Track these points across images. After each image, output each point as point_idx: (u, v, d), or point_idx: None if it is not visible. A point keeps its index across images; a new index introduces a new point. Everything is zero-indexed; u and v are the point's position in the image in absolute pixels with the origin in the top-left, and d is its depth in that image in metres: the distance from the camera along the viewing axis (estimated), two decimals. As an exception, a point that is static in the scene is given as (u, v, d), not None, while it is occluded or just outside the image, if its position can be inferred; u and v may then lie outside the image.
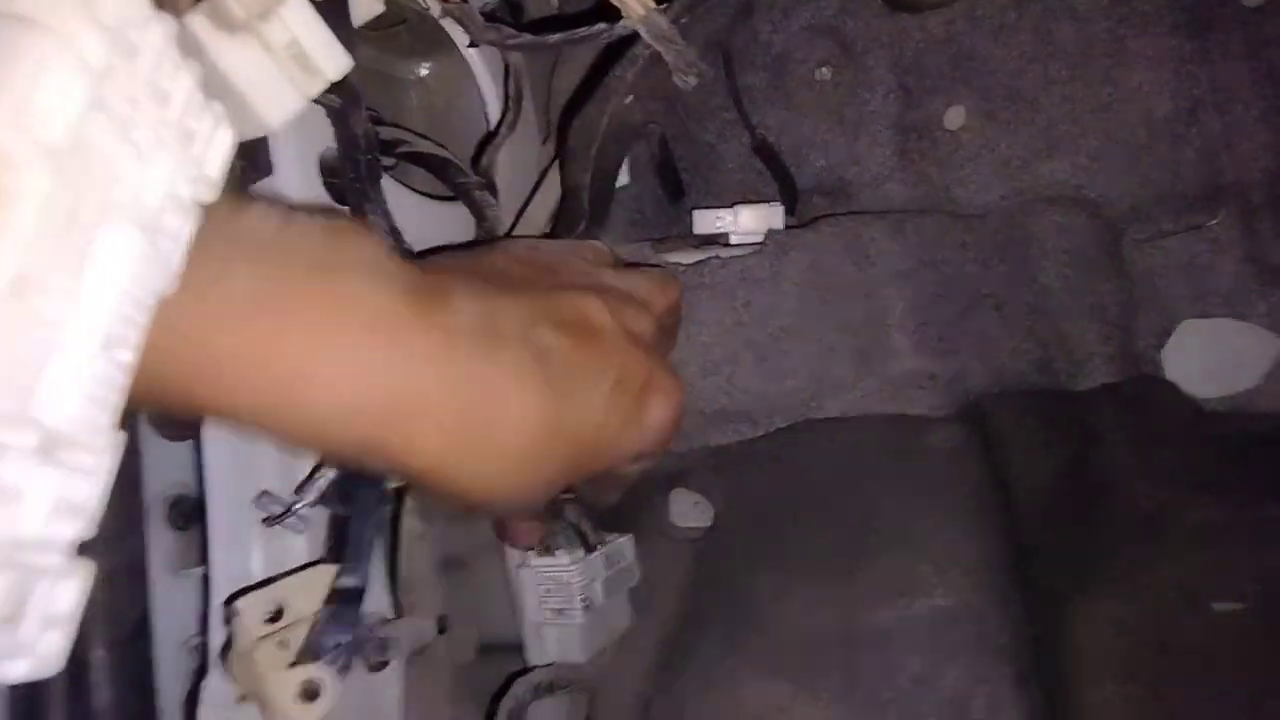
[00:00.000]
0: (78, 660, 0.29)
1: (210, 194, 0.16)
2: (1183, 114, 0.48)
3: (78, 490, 0.13)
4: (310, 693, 0.30)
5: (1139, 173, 0.49)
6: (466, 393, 0.24)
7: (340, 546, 0.33)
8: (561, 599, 0.39)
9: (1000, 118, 0.50)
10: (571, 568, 0.39)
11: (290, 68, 0.23)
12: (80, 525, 0.14)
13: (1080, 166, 0.49)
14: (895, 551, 0.42)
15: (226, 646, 0.31)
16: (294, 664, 0.30)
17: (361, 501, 0.33)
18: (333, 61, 0.23)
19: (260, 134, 0.23)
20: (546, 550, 0.39)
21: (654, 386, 0.30)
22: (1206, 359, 0.48)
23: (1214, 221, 0.48)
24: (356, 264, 0.23)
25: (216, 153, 0.16)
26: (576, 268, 0.32)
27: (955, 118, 0.50)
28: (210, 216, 0.19)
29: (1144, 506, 0.43)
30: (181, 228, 0.15)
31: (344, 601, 0.31)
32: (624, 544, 0.42)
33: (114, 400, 0.14)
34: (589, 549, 0.40)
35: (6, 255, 0.11)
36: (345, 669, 0.30)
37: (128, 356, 0.14)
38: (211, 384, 0.21)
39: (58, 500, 0.13)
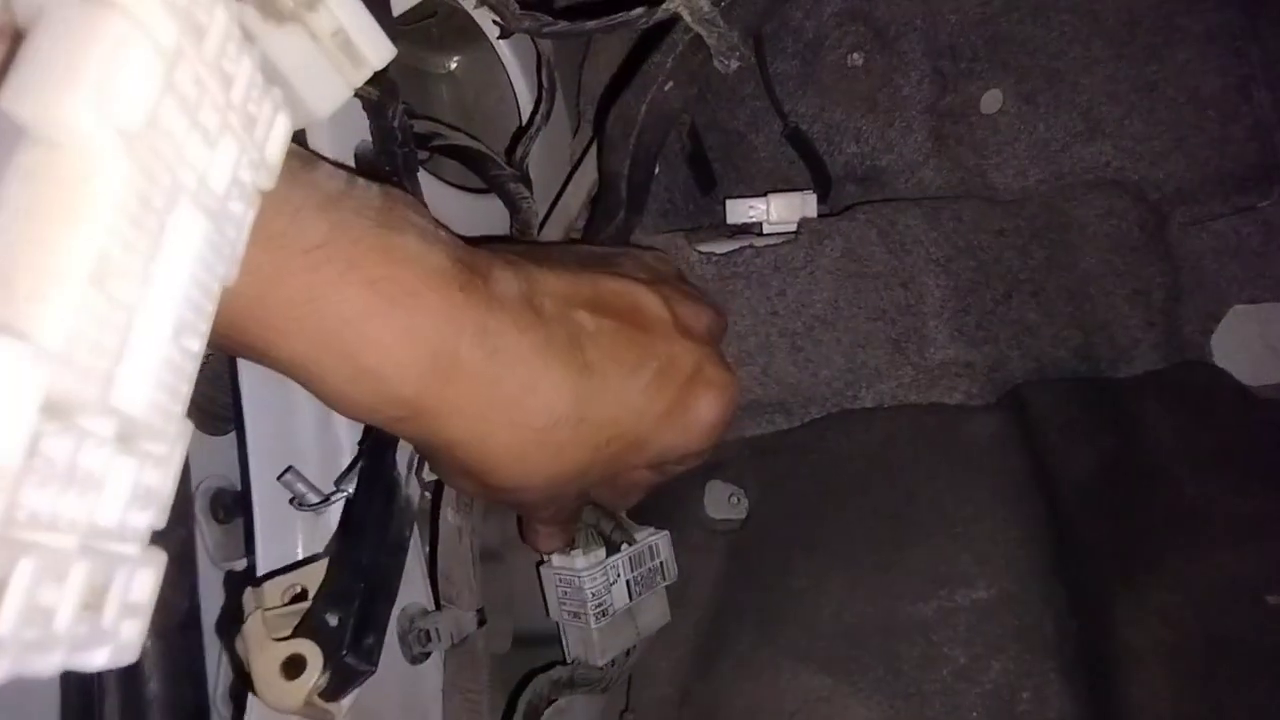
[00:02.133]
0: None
1: (270, 180, 0.16)
2: (1232, 91, 0.47)
3: (152, 479, 0.13)
4: (295, 665, 0.29)
5: (1186, 153, 0.48)
6: (498, 364, 0.25)
7: (342, 526, 0.33)
8: (576, 603, 0.38)
9: (1039, 100, 0.49)
10: (584, 573, 0.38)
11: (337, 57, 0.23)
12: (154, 514, 0.14)
13: (1123, 148, 0.48)
14: (934, 542, 0.41)
15: (235, 623, 0.31)
16: (284, 639, 0.29)
17: (367, 485, 0.33)
18: (378, 50, 0.23)
19: (309, 123, 0.23)
20: (569, 548, 0.39)
21: (702, 380, 0.30)
22: (1257, 345, 0.47)
23: (1266, 203, 0.47)
24: (411, 226, 0.24)
25: (276, 138, 0.16)
26: (637, 264, 0.31)
27: (992, 101, 0.49)
28: (285, 167, 0.20)
29: (1191, 496, 0.42)
30: (245, 214, 0.15)
31: (342, 579, 0.30)
32: (658, 541, 0.41)
33: (184, 388, 0.14)
34: (613, 549, 0.40)
35: (87, 240, 0.11)
36: (344, 652, 0.29)
37: (196, 344, 0.14)
38: (273, 326, 0.22)
39: (134, 488, 0.13)
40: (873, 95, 0.51)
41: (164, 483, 0.14)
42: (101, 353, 0.12)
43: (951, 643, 0.39)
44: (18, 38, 0.11)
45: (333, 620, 0.28)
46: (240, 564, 0.41)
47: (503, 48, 0.45)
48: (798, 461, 0.46)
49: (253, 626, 0.28)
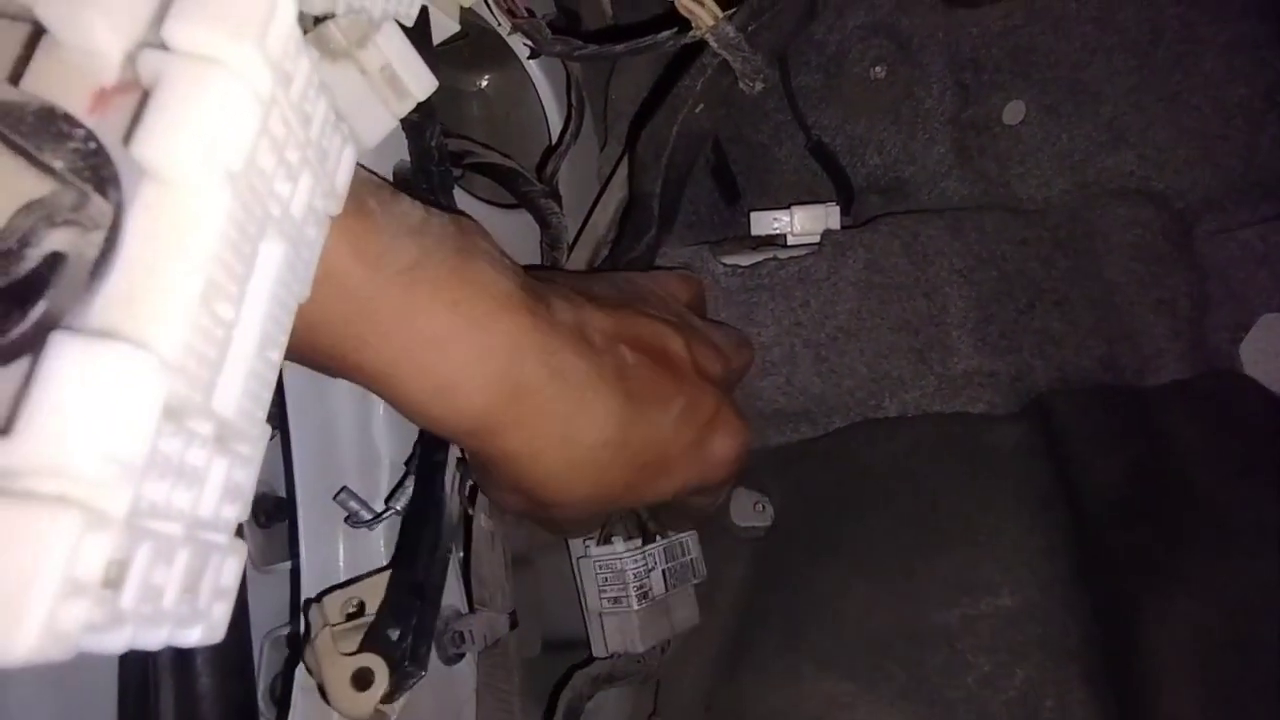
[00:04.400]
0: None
1: (337, 207, 0.18)
2: (1259, 99, 0.48)
3: (240, 476, 0.15)
4: (363, 680, 0.31)
5: (1211, 162, 0.49)
6: (557, 384, 0.27)
7: (400, 546, 0.35)
8: (617, 587, 0.40)
9: (1062, 111, 0.50)
10: (626, 555, 0.40)
11: (384, 90, 0.25)
12: (240, 507, 0.16)
13: (1147, 158, 0.49)
14: (957, 550, 0.42)
15: (305, 638, 0.33)
16: (352, 654, 0.31)
17: (420, 504, 0.35)
18: (421, 83, 0.25)
19: (359, 151, 0.25)
20: (606, 540, 0.41)
21: (720, 423, 0.32)
22: (1287, 354, 0.47)
23: (1292, 212, 0.48)
24: (483, 254, 0.26)
25: (344, 169, 0.18)
26: (664, 303, 0.34)
27: (1014, 113, 0.50)
28: (377, 198, 0.22)
29: (1219, 504, 0.42)
30: (317, 238, 0.17)
31: (401, 597, 0.33)
32: (687, 539, 0.43)
33: (266, 395, 0.16)
34: (648, 539, 0.42)
35: (198, 268, 0.13)
36: (403, 662, 0.32)
37: (276, 356, 0.16)
38: (365, 340, 0.24)
39: (226, 484, 0.15)
40: (895, 108, 0.52)
41: (249, 480, 0.16)
42: (207, 364, 0.13)
43: (975, 650, 0.40)
44: (144, 94, 0.13)
45: (394, 635, 0.31)
46: (280, 567, 0.43)
47: (532, 67, 0.47)
48: (822, 470, 0.47)
49: (323, 642, 0.30)
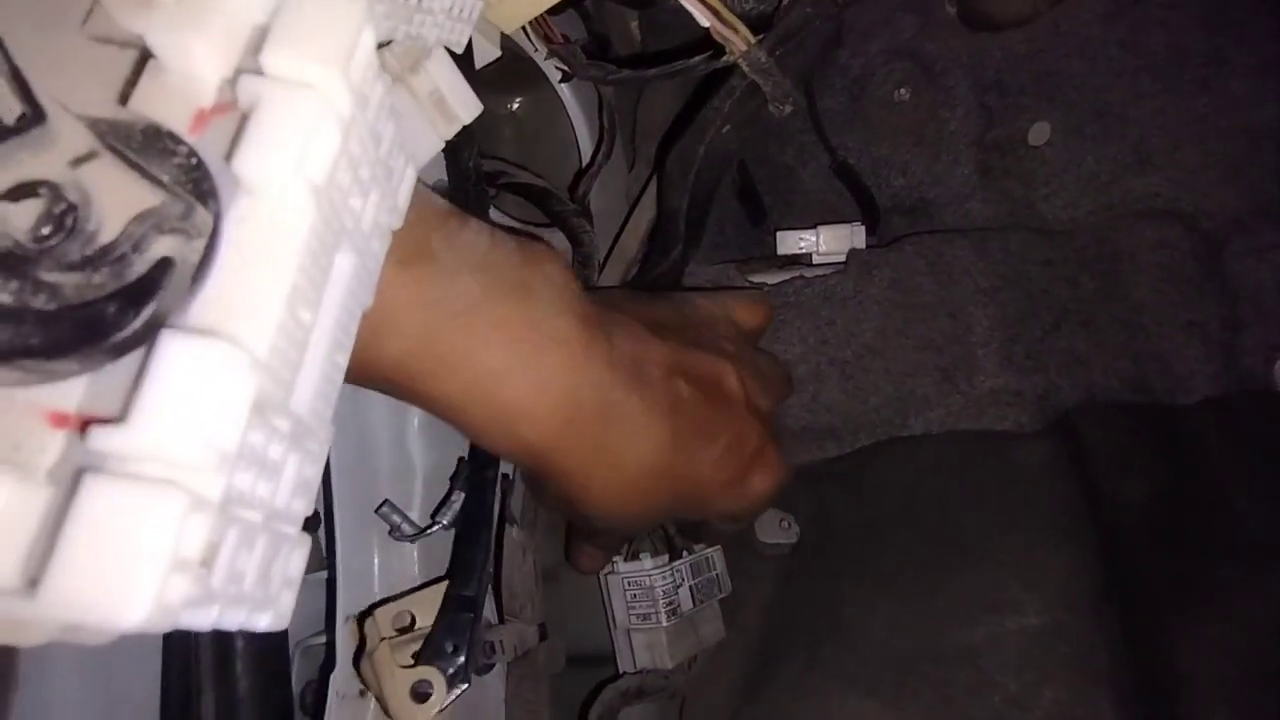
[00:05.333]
0: (222, 647, 0.32)
1: (399, 222, 0.19)
2: (1286, 122, 0.48)
3: (308, 472, 0.16)
4: (421, 693, 0.33)
5: (1240, 184, 0.49)
6: (608, 415, 0.29)
7: (455, 563, 0.36)
8: (646, 604, 0.41)
9: (1087, 132, 0.50)
10: (654, 572, 0.41)
11: (432, 113, 0.26)
12: (307, 501, 0.17)
13: (1175, 179, 0.50)
14: (983, 568, 0.43)
15: (360, 649, 0.35)
16: (409, 666, 0.33)
17: (472, 522, 0.36)
18: (468, 107, 0.27)
19: None
20: (633, 556, 0.42)
21: (763, 460, 0.34)
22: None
23: (1323, 233, 0.48)
24: (546, 285, 0.28)
25: (406, 186, 0.19)
26: (721, 332, 0.36)
27: (1040, 134, 0.51)
28: (443, 232, 0.23)
29: (1250, 525, 0.42)
30: (381, 250, 0.18)
31: (456, 611, 0.34)
32: (713, 554, 0.44)
33: (334, 396, 0.17)
34: (675, 555, 0.43)
35: (286, 275, 0.14)
36: (458, 675, 0.33)
37: (343, 360, 0.17)
38: (430, 374, 0.26)
39: (298, 479, 0.16)
40: (919, 129, 0.53)
41: (316, 475, 0.17)
42: (289, 364, 0.15)
43: (1002, 669, 0.40)
44: (239, 114, 0.14)
45: (449, 648, 0.33)
46: (310, 577, 0.44)
47: (563, 89, 0.49)
48: (847, 488, 0.47)
49: (382, 654, 0.32)
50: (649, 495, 0.31)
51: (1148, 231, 0.49)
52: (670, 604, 0.41)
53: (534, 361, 0.27)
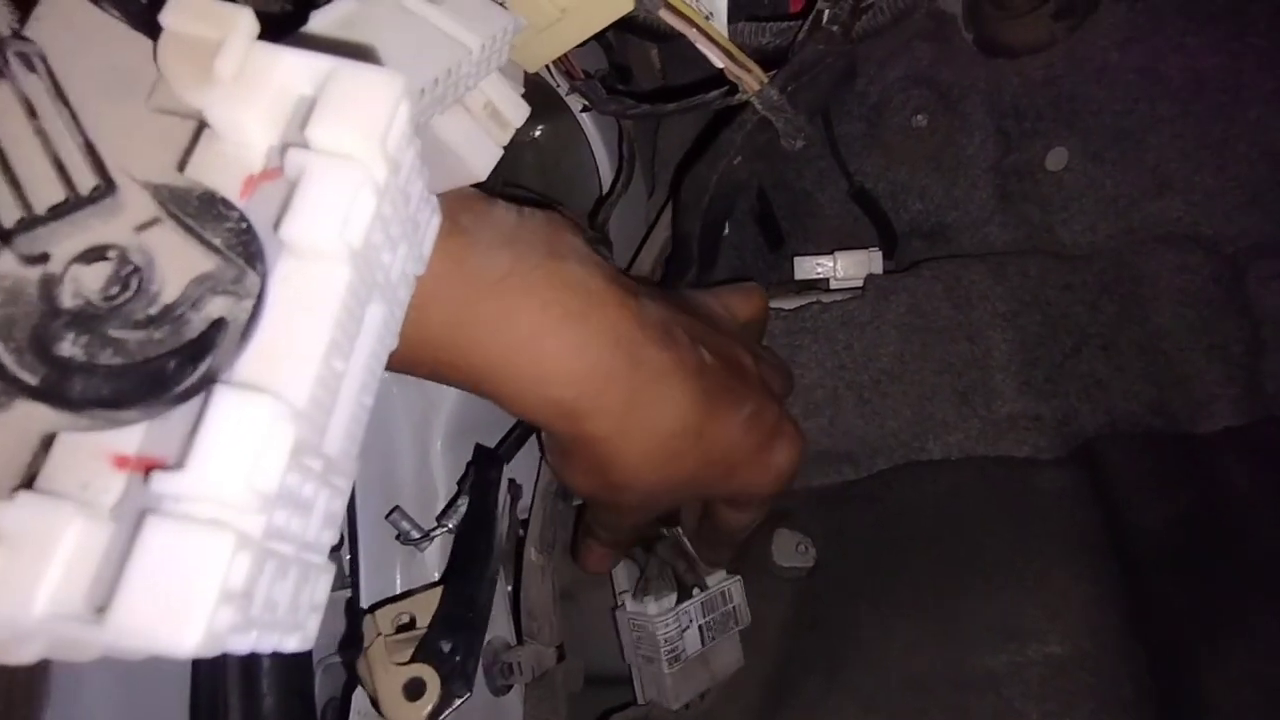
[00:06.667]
0: (249, 665, 0.33)
1: (423, 268, 0.21)
2: (1308, 147, 0.48)
3: (335, 506, 0.18)
4: (414, 689, 0.33)
5: (1261, 208, 0.49)
6: (642, 374, 0.29)
7: (454, 561, 0.37)
8: (649, 648, 0.41)
9: (1105, 157, 0.51)
10: (657, 620, 0.40)
11: (487, 124, 0.28)
12: (334, 533, 0.18)
13: (1194, 204, 0.50)
14: (1003, 595, 0.43)
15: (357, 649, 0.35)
16: (404, 664, 0.33)
17: (474, 521, 0.37)
18: (517, 111, 0.28)
19: (472, 181, 0.28)
20: (643, 592, 0.41)
21: (782, 432, 0.34)
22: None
23: (1346, 258, 0.48)
24: (573, 252, 0.29)
25: (430, 236, 0.21)
26: (730, 328, 0.37)
27: (1057, 159, 0.52)
28: (472, 212, 0.25)
29: (1275, 554, 0.42)
30: (406, 297, 0.20)
31: (454, 608, 0.35)
32: (731, 586, 0.44)
33: (360, 435, 0.19)
34: (685, 592, 0.42)
35: (325, 332, 0.15)
36: (455, 677, 0.33)
37: (369, 400, 0.19)
38: (465, 344, 0.27)
39: (327, 513, 0.17)
40: (937, 155, 0.54)
41: (342, 508, 0.18)
42: (323, 410, 0.16)
43: (1024, 698, 0.41)
44: (284, 181, 0.16)
45: (446, 647, 0.33)
46: (338, 595, 0.46)
47: (584, 118, 0.50)
48: (865, 511, 0.48)
49: (376, 650, 0.32)
50: (678, 459, 0.31)
51: (1168, 256, 0.49)
52: (673, 651, 0.40)
53: (566, 324, 0.28)
